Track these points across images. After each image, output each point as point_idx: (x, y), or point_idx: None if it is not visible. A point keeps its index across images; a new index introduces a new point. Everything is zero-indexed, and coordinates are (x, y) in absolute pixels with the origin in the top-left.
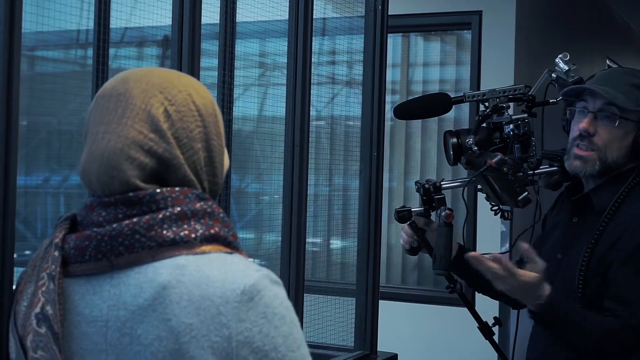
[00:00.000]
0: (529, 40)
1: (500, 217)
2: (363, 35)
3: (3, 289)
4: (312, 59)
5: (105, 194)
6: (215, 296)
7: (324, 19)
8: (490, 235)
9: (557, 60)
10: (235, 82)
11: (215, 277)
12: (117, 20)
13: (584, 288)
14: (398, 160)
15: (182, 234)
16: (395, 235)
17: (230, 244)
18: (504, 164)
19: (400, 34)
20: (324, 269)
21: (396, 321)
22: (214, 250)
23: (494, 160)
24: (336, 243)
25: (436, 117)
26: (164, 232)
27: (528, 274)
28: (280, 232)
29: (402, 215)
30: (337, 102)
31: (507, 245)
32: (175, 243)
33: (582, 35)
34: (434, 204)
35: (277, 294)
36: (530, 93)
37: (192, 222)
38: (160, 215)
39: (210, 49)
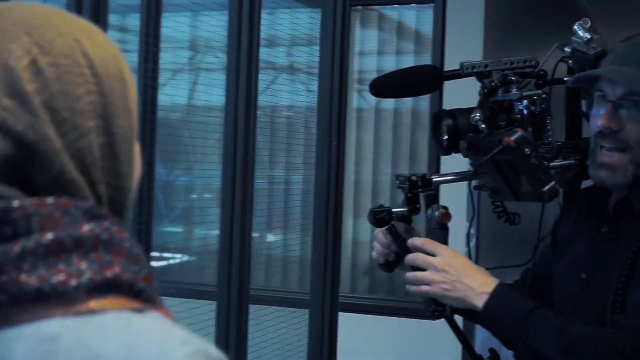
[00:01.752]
0: (500, 14)
1: (506, 222)
2: (320, 11)
3: None
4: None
5: None
6: None
7: None
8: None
9: (575, 28)
10: (161, 66)
11: (111, 358)
12: None
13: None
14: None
15: (54, 280)
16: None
17: (141, 294)
18: (525, 142)
19: (360, 7)
20: (275, 276)
21: (343, 336)
22: (112, 308)
23: (513, 137)
24: (279, 246)
25: (391, 105)
26: (23, 277)
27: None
28: (219, 230)
29: (381, 217)
30: (278, 89)
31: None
32: (43, 296)
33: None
34: (418, 205)
35: None
36: (539, 69)
37: (75, 259)
38: (18, 248)
39: (128, 24)
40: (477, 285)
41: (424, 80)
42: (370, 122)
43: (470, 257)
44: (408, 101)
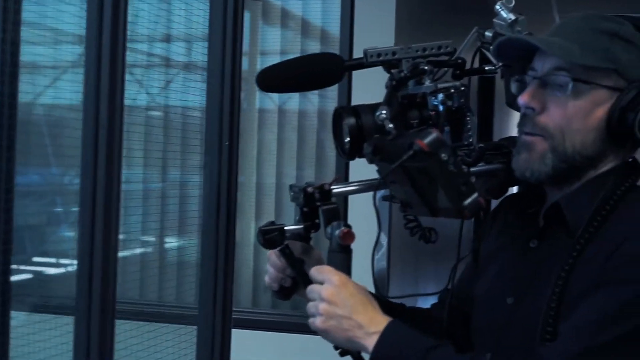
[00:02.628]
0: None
1: (421, 239)
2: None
3: None
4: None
5: None
6: None
7: None
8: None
9: (497, 8)
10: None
11: None
12: None
13: None
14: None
15: None
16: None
17: None
18: (441, 145)
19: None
20: (152, 288)
21: (245, 355)
22: None
23: (427, 140)
24: (173, 251)
25: (296, 106)
26: None
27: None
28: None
29: (271, 237)
30: (174, 88)
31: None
32: None
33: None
34: (317, 220)
35: None
36: (456, 57)
37: None
38: None
39: None
40: (368, 323)
41: (320, 70)
42: (274, 123)
43: (377, 287)
44: (314, 100)
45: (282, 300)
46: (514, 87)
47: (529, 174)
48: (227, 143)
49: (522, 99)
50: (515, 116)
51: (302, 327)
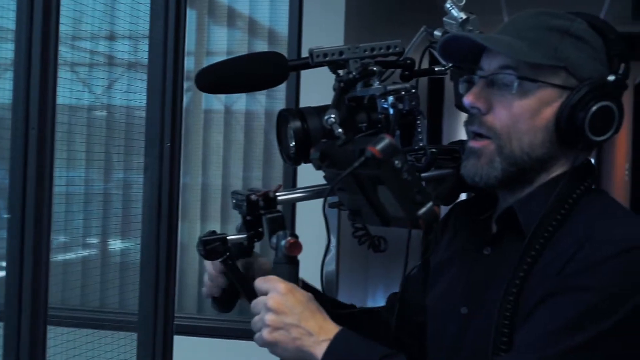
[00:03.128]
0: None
1: (370, 248)
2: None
3: None
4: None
5: None
6: None
7: None
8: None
9: (447, 6)
10: None
11: None
12: None
13: None
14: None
15: None
16: (191, 248)
17: None
18: (395, 152)
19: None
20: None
21: None
22: None
23: (379, 146)
24: (116, 254)
25: (243, 107)
26: None
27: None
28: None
29: (212, 247)
30: (118, 88)
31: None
32: None
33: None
34: (260, 229)
35: None
36: (405, 57)
37: None
38: None
39: None
40: (317, 330)
41: (262, 71)
42: (220, 123)
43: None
44: (262, 101)
45: (222, 312)
46: (462, 88)
47: (479, 179)
48: (168, 144)
49: (467, 99)
50: (464, 118)
51: (249, 333)
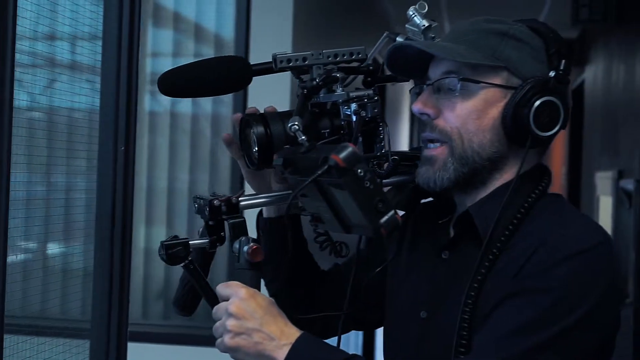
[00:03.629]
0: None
1: (332, 254)
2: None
3: None
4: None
5: None
6: None
7: None
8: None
9: (410, 13)
10: None
11: None
12: None
13: None
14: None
15: None
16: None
17: None
18: (358, 161)
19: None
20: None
21: None
22: None
23: (343, 155)
24: (57, 259)
25: (189, 109)
26: None
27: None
28: None
29: (175, 252)
30: (59, 89)
31: None
32: None
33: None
34: (222, 233)
35: None
36: (367, 64)
37: None
38: None
39: None
40: (279, 334)
41: (226, 75)
42: (165, 126)
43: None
44: (207, 105)
45: (184, 316)
46: (412, 99)
47: (433, 184)
48: (122, 148)
49: (416, 106)
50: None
51: (196, 338)
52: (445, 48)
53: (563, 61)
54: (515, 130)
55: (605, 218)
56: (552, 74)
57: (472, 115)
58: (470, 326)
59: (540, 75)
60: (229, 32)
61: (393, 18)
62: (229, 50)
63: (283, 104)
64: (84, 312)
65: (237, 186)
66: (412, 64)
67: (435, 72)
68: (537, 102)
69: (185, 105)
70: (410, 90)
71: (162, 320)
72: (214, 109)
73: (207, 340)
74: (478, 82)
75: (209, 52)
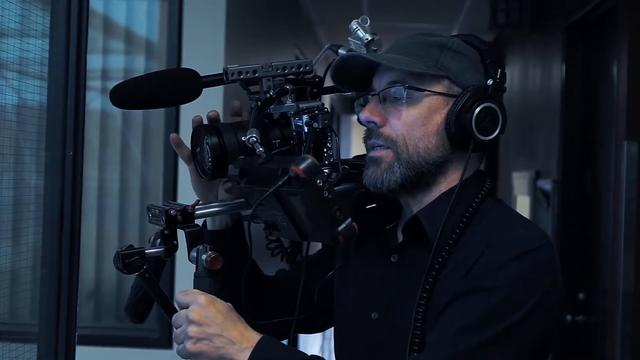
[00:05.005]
0: (242, 18)
1: (284, 260)
2: None
3: None
4: None
5: None
6: None
7: None
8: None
9: (353, 27)
10: None
11: None
12: None
13: None
14: None
15: None
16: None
17: None
18: (317, 172)
19: None
20: None
21: None
22: None
23: (302, 166)
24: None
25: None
26: None
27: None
28: None
29: (132, 261)
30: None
31: None
32: None
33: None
34: (176, 242)
35: None
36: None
37: None
38: None
39: None
40: (240, 338)
41: (177, 86)
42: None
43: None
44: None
45: (137, 323)
46: (358, 110)
47: (380, 185)
48: (71, 153)
49: (363, 115)
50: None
51: (125, 339)
52: (392, 58)
53: (499, 70)
54: (458, 135)
55: None
56: (489, 82)
57: (418, 122)
58: (423, 327)
59: (478, 84)
60: (155, 37)
61: (315, 21)
62: (161, 59)
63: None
64: (33, 316)
65: (171, 191)
66: (356, 77)
67: (379, 83)
68: (478, 109)
69: (94, 102)
70: (355, 102)
71: (93, 321)
72: (144, 116)
73: (137, 341)
74: (423, 90)
75: (140, 60)
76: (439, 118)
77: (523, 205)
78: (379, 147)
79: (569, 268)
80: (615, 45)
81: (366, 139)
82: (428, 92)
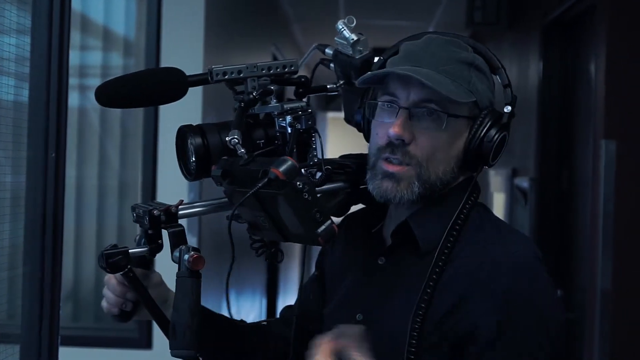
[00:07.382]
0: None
1: (267, 260)
2: None
3: None
4: None
5: None
6: None
7: None
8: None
9: (339, 27)
10: None
11: None
12: None
13: None
14: None
15: None
16: None
17: None
18: (297, 174)
19: None
20: None
21: None
22: None
23: (282, 168)
24: None
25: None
26: None
27: None
28: None
29: (115, 261)
30: None
31: None
32: None
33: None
34: (160, 241)
35: None
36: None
37: None
38: None
39: None
40: None
41: (162, 86)
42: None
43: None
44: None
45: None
46: (368, 111)
47: (393, 199)
48: (53, 154)
49: (394, 131)
50: None
51: (104, 340)
52: (437, 80)
53: (514, 97)
54: (475, 160)
55: (499, 214)
56: (507, 109)
57: (445, 145)
58: (419, 334)
59: (489, 103)
60: (134, 33)
61: (292, 19)
62: (140, 57)
63: (191, 110)
64: (10, 315)
65: (150, 190)
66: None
67: (407, 94)
68: (498, 139)
69: (72, 98)
70: (342, 95)
71: (71, 321)
72: (122, 116)
73: (115, 341)
74: (458, 116)
75: (118, 59)
76: (461, 143)
77: (499, 203)
78: (395, 161)
79: (546, 266)
80: (593, 44)
81: (386, 152)
82: (460, 117)
